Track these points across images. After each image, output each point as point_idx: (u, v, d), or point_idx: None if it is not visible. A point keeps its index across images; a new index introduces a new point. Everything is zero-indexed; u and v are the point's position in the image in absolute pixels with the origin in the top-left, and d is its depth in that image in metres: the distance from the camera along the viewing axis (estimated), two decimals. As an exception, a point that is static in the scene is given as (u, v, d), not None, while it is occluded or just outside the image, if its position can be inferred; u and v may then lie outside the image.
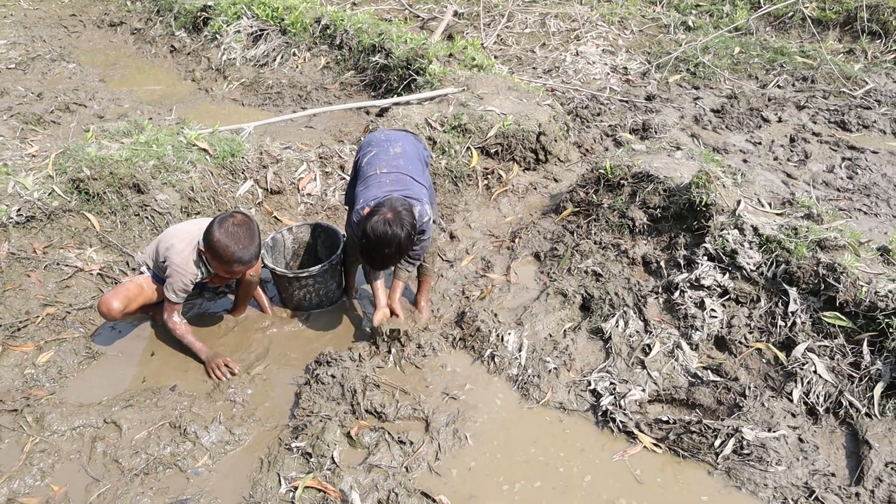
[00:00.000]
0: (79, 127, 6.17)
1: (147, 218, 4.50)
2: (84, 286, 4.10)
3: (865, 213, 5.10)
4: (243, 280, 3.92)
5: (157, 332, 3.89)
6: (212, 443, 3.11)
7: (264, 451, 3.09)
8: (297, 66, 7.48)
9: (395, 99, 5.64)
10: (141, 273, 3.77)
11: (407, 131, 4.04)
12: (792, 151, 5.92)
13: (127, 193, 4.48)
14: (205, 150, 4.87)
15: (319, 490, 2.81)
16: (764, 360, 3.42)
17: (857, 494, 2.88)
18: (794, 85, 7.19)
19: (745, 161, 5.69)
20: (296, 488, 2.82)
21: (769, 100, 6.80)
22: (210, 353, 3.62)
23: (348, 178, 3.82)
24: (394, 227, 3.13)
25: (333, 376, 3.30)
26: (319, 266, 3.86)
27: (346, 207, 3.91)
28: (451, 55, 6.31)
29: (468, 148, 5.13)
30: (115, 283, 4.17)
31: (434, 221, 3.66)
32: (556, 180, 5.21)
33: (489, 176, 5.13)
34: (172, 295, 3.52)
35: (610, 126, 6.09)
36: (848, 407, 3.18)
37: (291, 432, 3.13)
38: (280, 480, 2.89)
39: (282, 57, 7.61)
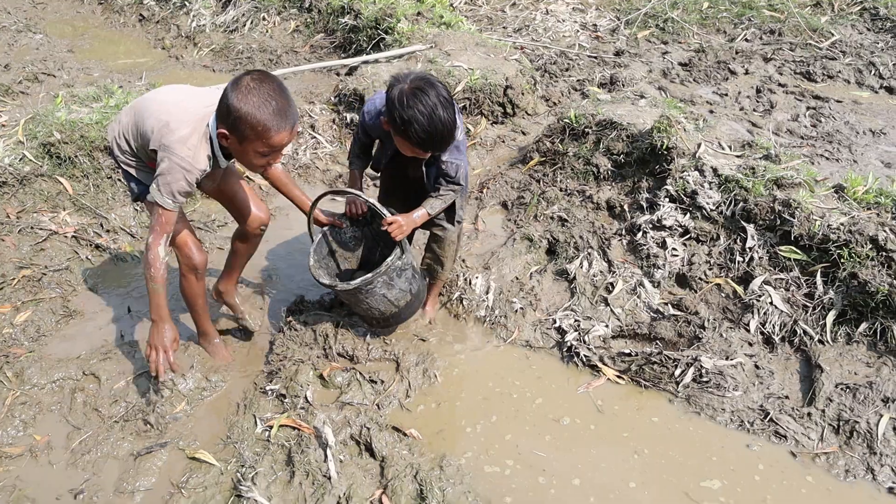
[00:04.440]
0: (48, 96, 6.12)
1: (119, 181, 4.53)
2: (59, 249, 4.13)
3: (827, 158, 5.22)
4: (274, 174, 3.17)
5: (134, 290, 3.94)
6: (189, 390, 3.19)
7: (240, 395, 3.18)
8: (267, 31, 7.46)
9: (364, 57, 5.67)
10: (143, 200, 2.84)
11: None
12: (758, 102, 6.02)
13: (98, 157, 4.50)
14: (175, 112, 4.88)
15: (294, 428, 2.91)
16: (723, 294, 3.55)
17: (809, 414, 3.02)
18: (761, 38, 7.27)
19: (711, 112, 5.78)
20: (271, 427, 2.92)
21: (736, 53, 6.87)
22: (164, 325, 2.79)
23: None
24: (426, 90, 2.64)
25: (306, 322, 3.39)
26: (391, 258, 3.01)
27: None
28: (419, 14, 6.33)
29: (437, 104, 5.18)
30: (90, 246, 4.22)
31: (458, 221, 3.29)
32: (523, 133, 5.28)
33: (458, 130, 5.19)
34: (168, 199, 2.59)
35: (578, 81, 6.15)
36: (802, 335, 3.31)
37: (266, 377, 3.22)
38: (256, 421, 2.98)
39: (251, 22, 7.58)
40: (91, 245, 4.23)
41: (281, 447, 2.84)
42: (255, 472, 2.71)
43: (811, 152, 5.25)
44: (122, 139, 2.81)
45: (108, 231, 4.34)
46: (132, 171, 2.88)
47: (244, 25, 7.57)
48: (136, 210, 4.50)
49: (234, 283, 3.46)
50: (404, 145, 2.81)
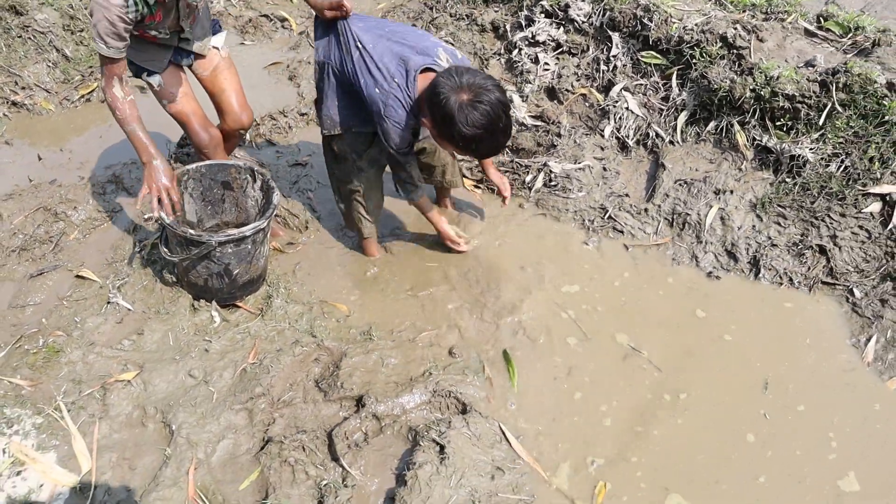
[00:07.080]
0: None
1: (30, 38, 4.64)
2: (-26, 107, 4.34)
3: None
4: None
5: (46, 140, 4.15)
6: (81, 220, 3.47)
7: (128, 223, 3.46)
8: None
9: None
10: None
11: None
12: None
13: (5, 16, 4.59)
14: (79, -35, 4.90)
15: (164, 245, 3.20)
16: (587, 104, 3.64)
17: (646, 210, 3.21)
18: None
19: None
20: (146, 247, 3.21)
21: None
22: (156, 162, 2.65)
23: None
24: (486, 96, 2.20)
25: (188, 154, 3.59)
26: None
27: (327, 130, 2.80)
28: None
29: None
30: (7, 103, 4.41)
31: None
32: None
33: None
34: (100, 43, 2.41)
35: None
36: (655, 137, 3.43)
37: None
38: (135, 243, 3.27)
39: None
40: (7, 102, 4.42)
41: (152, 263, 3.14)
42: (125, 282, 3.03)
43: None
44: None
45: (23, 88, 4.51)
46: None
47: None
48: (49, 66, 4.64)
49: None
50: (455, 151, 2.45)
